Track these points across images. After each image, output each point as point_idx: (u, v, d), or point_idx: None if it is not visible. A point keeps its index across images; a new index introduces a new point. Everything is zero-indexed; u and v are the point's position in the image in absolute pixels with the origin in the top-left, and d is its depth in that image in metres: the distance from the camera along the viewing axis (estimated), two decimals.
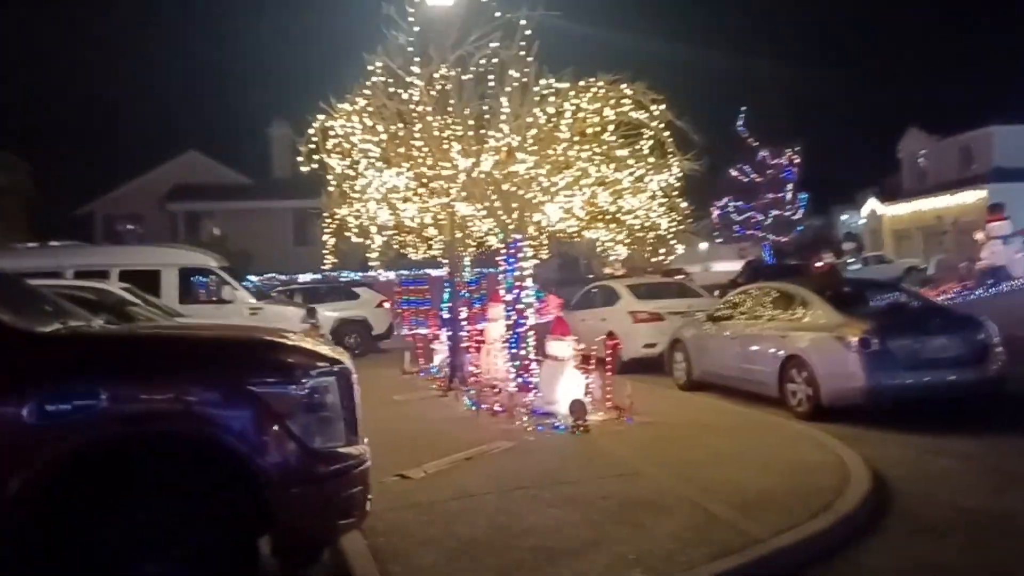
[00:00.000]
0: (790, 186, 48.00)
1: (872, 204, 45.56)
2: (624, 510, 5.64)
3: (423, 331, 15.32)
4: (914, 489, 6.37)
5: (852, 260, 40.96)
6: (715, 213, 50.62)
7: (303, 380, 4.03)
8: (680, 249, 12.68)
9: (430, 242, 13.62)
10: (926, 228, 39.64)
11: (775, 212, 47.96)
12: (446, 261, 11.91)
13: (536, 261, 15.62)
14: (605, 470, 6.71)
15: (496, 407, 8.85)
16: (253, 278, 23.81)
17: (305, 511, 3.99)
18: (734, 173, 48.76)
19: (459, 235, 12.31)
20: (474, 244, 13.57)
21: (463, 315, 12.45)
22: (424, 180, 9.11)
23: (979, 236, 32.95)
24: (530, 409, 8.61)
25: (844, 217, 53.87)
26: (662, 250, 13.01)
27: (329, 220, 11.50)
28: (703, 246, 61.74)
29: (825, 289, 9.70)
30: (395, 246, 14.07)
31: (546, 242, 14.12)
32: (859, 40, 71.05)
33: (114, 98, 64.27)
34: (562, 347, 8.48)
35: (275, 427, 3.89)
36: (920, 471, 6.90)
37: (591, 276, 31.07)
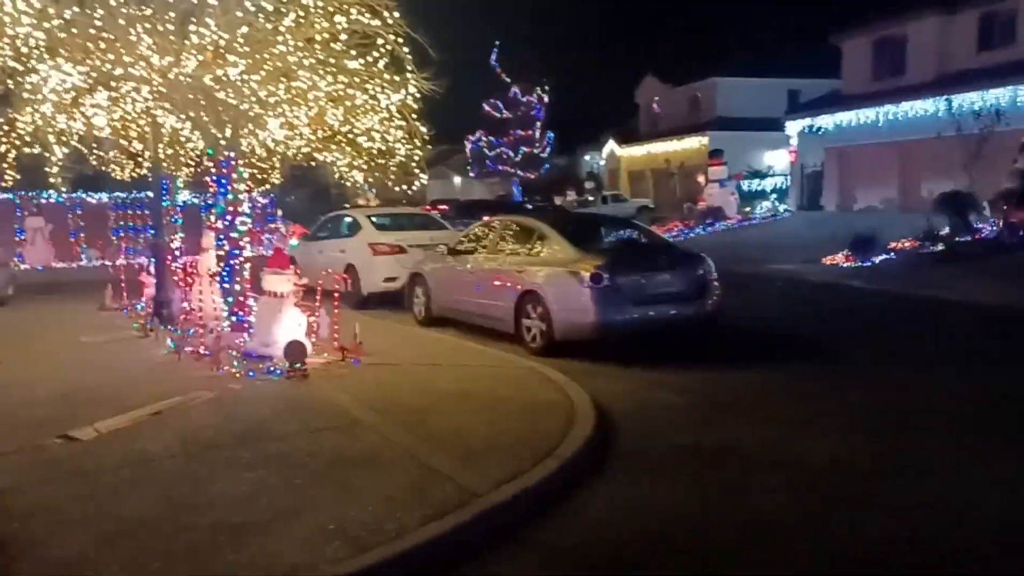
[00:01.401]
0: (539, 124, 49.35)
1: (611, 146, 48.06)
2: (334, 469, 4.95)
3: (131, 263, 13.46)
4: (636, 426, 6.33)
5: (592, 199, 43.07)
6: (468, 146, 50.91)
7: None
8: (424, 179, 11.97)
9: (138, 159, 11.80)
10: (657, 170, 42.52)
11: (525, 149, 49.15)
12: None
13: (267, 187, 14.35)
14: (319, 421, 5.96)
15: (201, 350, 7.70)
16: None
17: None
18: (487, 108, 49.19)
19: (170, 152, 10.70)
20: (192, 163, 11.97)
21: (175, 245, 10.96)
22: (105, 80, 7.53)
23: (700, 179, 36.03)
24: (243, 352, 7.58)
25: (587, 157, 56.55)
26: (406, 179, 12.29)
27: (6, 127, 9.38)
28: (457, 180, 62.13)
29: (562, 224, 9.54)
30: (92, 162, 12.05)
31: (277, 165, 12.82)
32: None
33: None
34: (280, 281, 7.49)
35: None
36: (642, 406, 6.91)
37: (346, 207, 29.71)
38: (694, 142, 38.93)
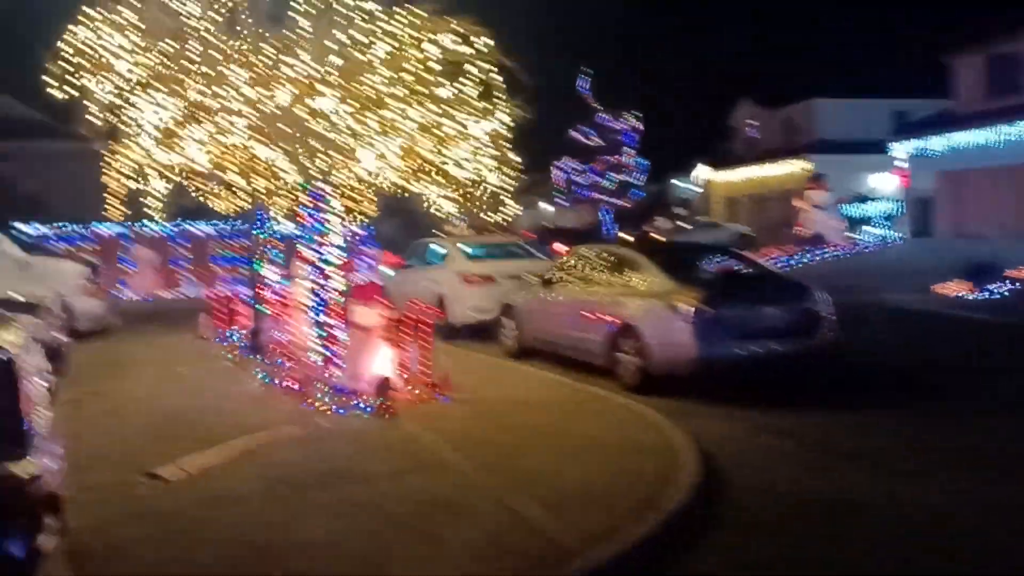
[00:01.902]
0: (629, 150, 48.82)
1: (704, 171, 47.04)
2: (419, 515, 4.67)
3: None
4: (743, 473, 5.82)
5: (685, 226, 42.19)
6: (555, 174, 50.79)
7: None
8: (517, 208, 11.71)
9: (236, 191, 11.99)
10: (754, 195, 41.30)
11: (614, 175, 48.65)
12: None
13: (362, 218, 14.40)
14: (405, 462, 5.70)
15: (291, 383, 7.60)
16: (39, 227, 20.98)
17: None
18: (575, 135, 49.02)
19: (266, 184, 10.81)
20: (288, 195, 12.09)
21: (271, 276, 11.04)
22: (197, 112, 7.59)
23: (797, 203, 34.70)
24: (332, 386, 7.44)
25: (678, 183, 55.54)
26: (497, 208, 12.10)
27: (111, 159, 9.64)
28: (546, 207, 62.10)
29: (657, 253, 9.10)
30: (193, 194, 12.33)
31: (372, 196, 12.83)
32: (692, 11, 73.08)
33: None
34: (368, 314, 7.33)
35: None
36: (746, 451, 6.41)
37: (436, 234, 29.93)
38: (793, 166, 37.61)
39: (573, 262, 10.37)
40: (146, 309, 18.61)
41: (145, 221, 12.31)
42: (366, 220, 20.11)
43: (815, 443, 6.56)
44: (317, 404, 7.08)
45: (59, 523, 3.48)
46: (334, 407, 7.00)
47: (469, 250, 13.53)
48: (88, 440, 6.42)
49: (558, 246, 22.84)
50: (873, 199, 35.35)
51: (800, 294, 8.63)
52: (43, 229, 21.08)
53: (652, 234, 39.35)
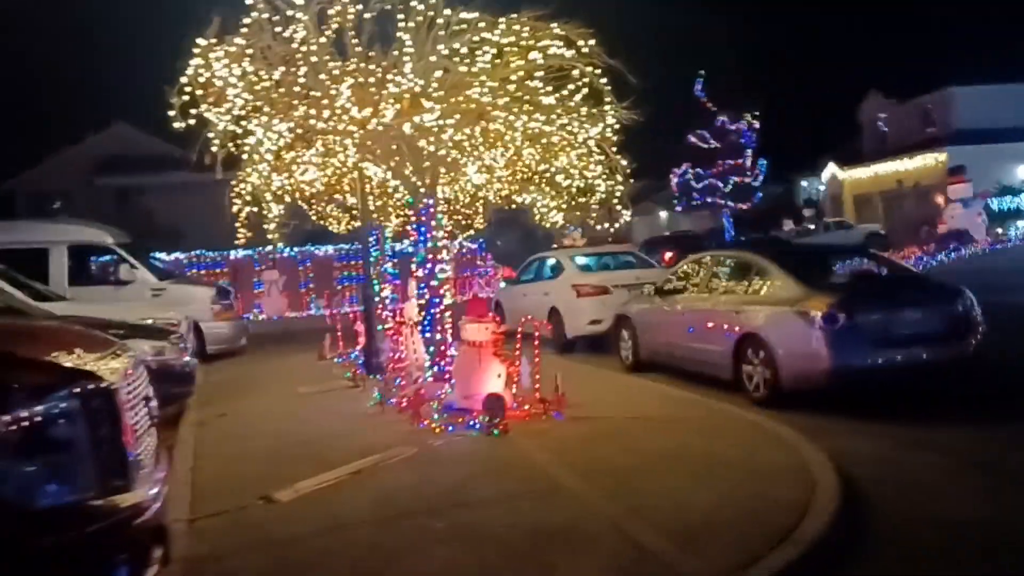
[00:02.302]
0: (749, 152, 47.17)
1: (832, 169, 44.82)
2: (533, 545, 4.39)
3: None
4: (892, 497, 5.25)
5: (812, 227, 40.31)
6: (674, 180, 49.68)
7: (12, 409, 2.68)
8: (627, 215, 11.33)
9: (353, 211, 12.20)
10: (886, 192, 38.98)
11: (735, 179, 47.09)
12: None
13: (472, 232, 14.41)
14: (518, 485, 5.44)
15: (404, 403, 7.52)
16: (177, 255, 22.20)
17: None
18: (692, 139, 47.80)
19: (379, 203, 10.93)
20: (401, 213, 12.20)
21: (386, 294, 11.12)
22: (307, 134, 7.69)
23: (939, 199, 32.43)
24: (444, 404, 7.30)
25: (804, 183, 53.22)
26: (609, 217, 11.77)
27: (238, 187, 9.99)
28: (663, 215, 60.94)
29: (784, 256, 8.51)
30: (312, 216, 12.66)
31: (480, 209, 12.79)
32: (816, 4, 69.94)
33: (33, 71, 60.93)
34: (479, 331, 7.15)
35: None
36: (896, 471, 5.80)
37: (555, 248, 29.74)
38: (929, 159, 35.26)
39: (690, 269, 9.89)
40: (274, 330, 19.27)
41: (272, 245, 12.83)
42: (478, 234, 20.27)
43: (974, 461, 5.88)
44: (429, 423, 6.95)
45: (164, 552, 3.42)
46: (446, 426, 6.85)
47: (581, 261, 13.25)
48: (210, 462, 6.54)
49: (669, 254, 22.21)
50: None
51: (945, 296, 7.85)
52: (179, 256, 22.29)
53: (777, 237, 37.80)
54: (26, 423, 2.73)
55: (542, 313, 12.93)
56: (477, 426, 6.73)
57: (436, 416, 7.01)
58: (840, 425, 7.10)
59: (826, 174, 46.11)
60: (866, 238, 36.10)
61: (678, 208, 53.35)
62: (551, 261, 13.82)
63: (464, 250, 25.94)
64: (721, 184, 47.35)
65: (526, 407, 7.35)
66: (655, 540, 4.33)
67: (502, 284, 18.62)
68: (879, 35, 60.96)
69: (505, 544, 4.42)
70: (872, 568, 4.26)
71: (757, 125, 46.61)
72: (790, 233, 40.25)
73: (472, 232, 13.78)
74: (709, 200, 48.44)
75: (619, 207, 11.28)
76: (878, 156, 39.78)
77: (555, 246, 21.88)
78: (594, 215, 11.76)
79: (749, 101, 46.19)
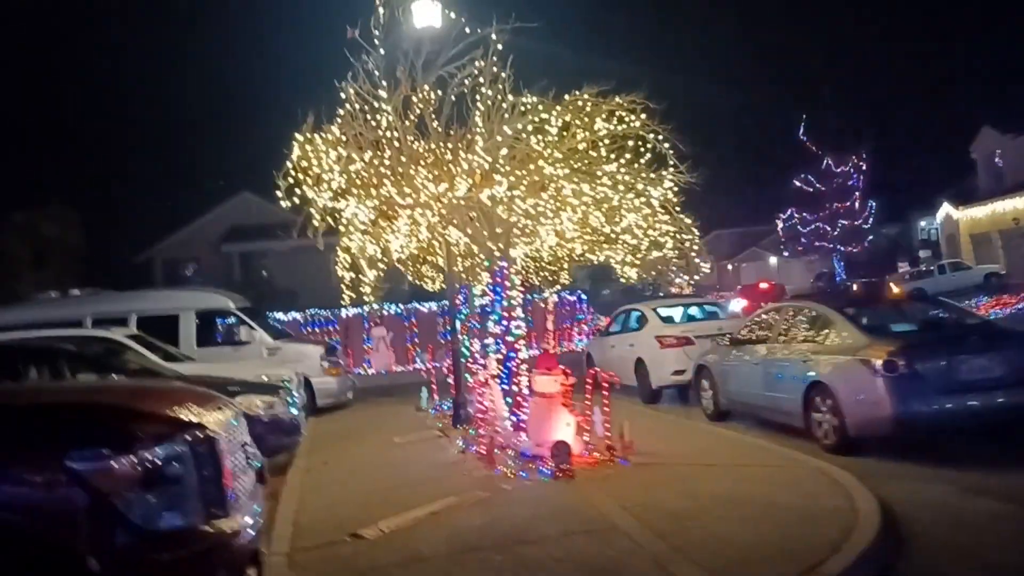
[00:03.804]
0: (857, 194, 46.07)
1: (946, 209, 43.09)
2: (578, 573, 4.89)
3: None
4: (941, 540, 5.46)
5: (928, 268, 38.81)
6: (779, 225, 48.95)
7: (138, 451, 3.47)
8: (706, 267, 11.73)
9: (441, 270, 13.10)
10: (1005, 231, 37.14)
11: (843, 222, 46.03)
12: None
13: (558, 287, 15.08)
14: (576, 525, 5.95)
15: (482, 451, 8.16)
16: (293, 314, 23.78)
17: None
18: (798, 183, 47.13)
19: (467, 263, 11.75)
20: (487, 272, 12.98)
21: (475, 347, 11.84)
22: (388, 209, 8.58)
23: None
24: (518, 452, 7.89)
25: (922, 224, 51.27)
26: (687, 269, 12.19)
27: (337, 256, 11.10)
28: (772, 260, 59.82)
29: (848, 306, 8.72)
30: (409, 277, 13.61)
31: (565, 266, 13.42)
32: (920, 38, 67.90)
33: (167, 145, 66.67)
34: (548, 383, 7.74)
35: (100, 509, 3.33)
36: (954, 515, 5.96)
37: (661, 296, 29.87)
38: None
39: (764, 319, 10.16)
40: (381, 384, 20.35)
41: (370, 305, 13.94)
42: (577, 286, 20.70)
43: None
44: (503, 469, 7.54)
45: (258, 572, 4.14)
46: (519, 472, 7.42)
47: (665, 313, 13.61)
48: (311, 504, 7.34)
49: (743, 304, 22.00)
50: None
51: (1012, 342, 7.87)
52: (295, 315, 23.91)
53: (891, 283, 36.52)
54: (148, 464, 3.51)
55: (628, 364, 13.37)
56: (547, 472, 7.27)
57: (510, 462, 7.59)
58: (907, 471, 7.27)
59: (940, 214, 44.38)
60: (984, 279, 34.54)
61: (785, 253, 52.50)
62: (636, 313, 14.25)
63: (566, 303, 26.65)
64: (828, 228, 46.43)
65: (595, 454, 7.84)
66: (689, 572, 4.75)
67: (592, 336, 19.09)
68: (994, 66, 58.50)
69: (554, 574, 4.94)
70: None
71: (864, 166, 45.64)
72: (903, 276, 38.85)
73: (559, 287, 14.42)
74: (817, 244, 47.54)
75: (696, 260, 11.72)
76: (995, 194, 38.05)
77: (661, 294, 21.79)
78: (674, 268, 12.24)
79: (856, 141, 45.36)
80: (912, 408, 7.43)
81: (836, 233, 46.54)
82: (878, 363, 7.60)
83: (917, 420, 7.46)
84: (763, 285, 41.96)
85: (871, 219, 46.40)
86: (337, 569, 5.50)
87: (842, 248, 46.78)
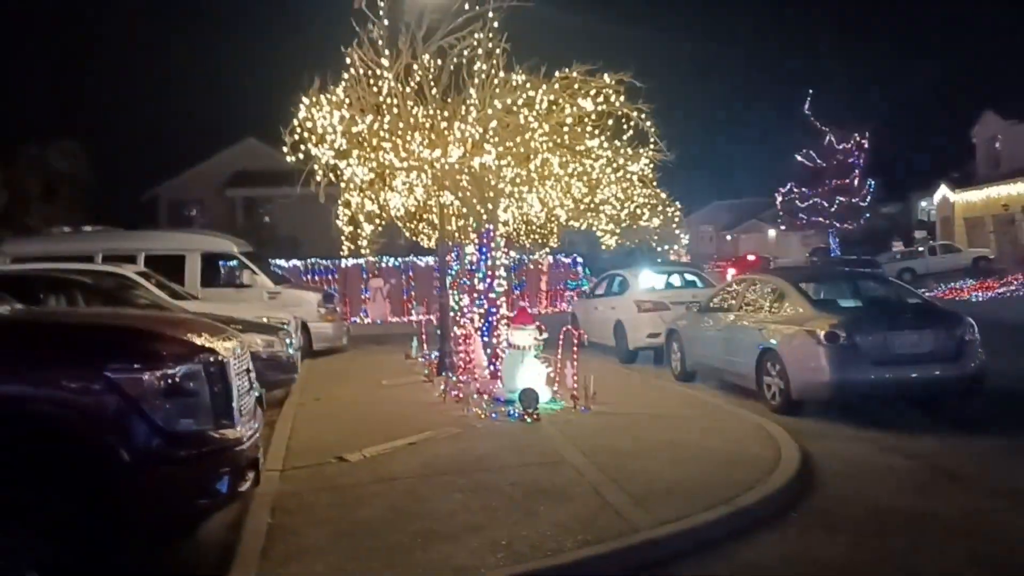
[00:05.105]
0: (857, 172, 46.51)
1: (943, 191, 43.63)
2: (526, 497, 5.75)
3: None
4: (842, 486, 6.30)
5: (919, 249, 39.48)
6: (778, 200, 49.47)
7: (163, 367, 4.27)
8: (685, 239, 12.50)
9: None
10: (998, 216, 37.77)
11: (841, 198, 46.53)
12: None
13: (546, 250, 15.84)
14: (532, 458, 6.82)
15: (459, 394, 9.02)
16: (295, 262, 24.56)
17: (162, 489, 4.25)
18: (800, 158, 47.56)
19: (460, 223, 12.50)
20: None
21: (464, 302, 12.65)
22: (388, 170, 9.31)
23: None
24: (493, 397, 8.75)
25: (923, 204, 51.76)
26: (668, 239, 12.98)
27: (343, 208, 11.84)
28: (771, 233, 60.41)
29: (803, 281, 9.51)
30: (406, 233, 14.37)
31: (554, 230, 14.18)
32: (929, 21, 67.69)
33: (176, 87, 66.96)
34: (522, 336, 8.58)
35: (132, 412, 4.14)
36: (861, 468, 6.81)
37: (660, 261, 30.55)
38: None
39: (730, 290, 10.95)
40: (375, 333, 21.24)
41: (366, 257, 14.69)
42: (570, 250, 21.41)
43: (931, 464, 6.81)
44: (477, 411, 8.41)
45: (256, 475, 4.99)
46: (491, 414, 8.29)
47: (648, 279, 14.37)
48: (303, 432, 8.20)
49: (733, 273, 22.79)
50: None
51: (945, 322, 8.67)
52: (296, 263, 24.70)
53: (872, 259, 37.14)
54: (169, 378, 4.31)
55: (609, 325, 14.21)
56: (515, 414, 8.13)
57: (484, 405, 8.46)
58: (836, 430, 8.12)
59: (938, 196, 44.93)
60: (973, 262, 35.29)
61: (782, 227, 53.09)
62: (619, 278, 15.03)
63: (560, 265, 27.44)
64: (826, 204, 46.96)
65: (561, 403, 8.70)
66: (619, 499, 5.62)
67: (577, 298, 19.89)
68: (1001, 50, 58.50)
69: (507, 495, 5.80)
70: (791, 532, 5.36)
71: (866, 144, 46.01)
72: (895, 255, 39.54)
73: (548, 249, 15.20)
74: (813, 219, 48.11)
75: (677, 231, 12.50)
76: (992, 179, 38.58)
77: (659, 260, 22.23)
78: (656, 237, 13.04)
79: (861, 119, 45.73)
80: (849, 376, 8.26)
81: (833, 209, 47.07)
82: (821, 334, 8.41)
83: (853, 387, 8.30)
84: (750, 257, 43.00)
85: (869, 197, 46.86)
86: (322, 483, 6.35)
87: (838, 225, 47.35)
